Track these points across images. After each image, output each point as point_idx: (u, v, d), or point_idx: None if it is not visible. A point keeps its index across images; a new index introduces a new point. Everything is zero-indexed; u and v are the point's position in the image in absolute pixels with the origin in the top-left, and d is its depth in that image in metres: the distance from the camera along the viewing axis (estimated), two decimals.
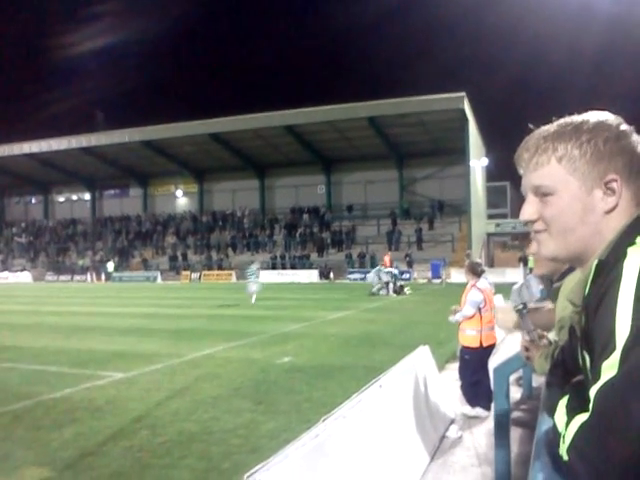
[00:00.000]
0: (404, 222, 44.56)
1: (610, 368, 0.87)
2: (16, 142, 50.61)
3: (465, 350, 6.24)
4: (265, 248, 46.36)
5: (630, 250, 0.95)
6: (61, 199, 60.77)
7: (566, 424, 0.97)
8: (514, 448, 4.72)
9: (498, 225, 46.74)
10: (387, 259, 27.87)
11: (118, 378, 7.86)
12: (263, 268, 42.04)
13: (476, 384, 6.08)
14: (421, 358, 5.62)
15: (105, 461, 4.65)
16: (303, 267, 41.69)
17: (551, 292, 3.20)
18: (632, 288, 0.89)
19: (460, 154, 39.69)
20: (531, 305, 2.55)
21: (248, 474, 2.40)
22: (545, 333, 2.22)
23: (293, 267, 42.02)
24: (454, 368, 7.11)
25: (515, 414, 5.97)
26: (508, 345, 9.02)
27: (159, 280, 43.20)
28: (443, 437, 5.31)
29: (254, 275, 21.22)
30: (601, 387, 0.87)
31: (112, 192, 58.45)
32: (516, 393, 6.74)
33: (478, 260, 7.14)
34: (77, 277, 47.17)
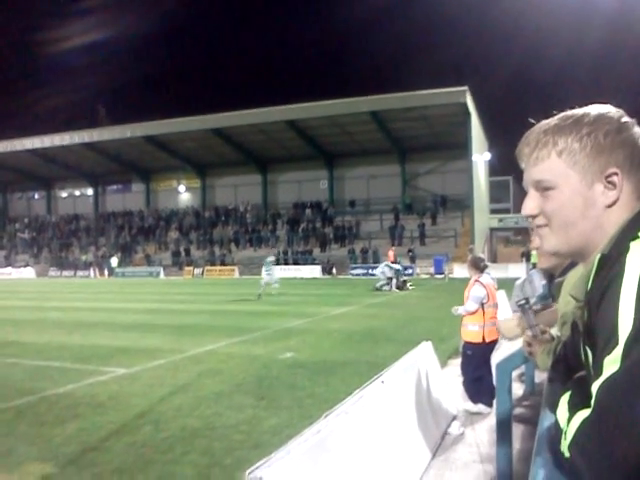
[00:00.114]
0: (407, 217, 44.54)
1: (612, 363, 0.86)
2: (18, 138, 50.67)
3: (467, 346, 6.23)
4: (268, 243, 46.39)
5: (633, 244, 0.94)
6: (64, 194, 60.90)
7: (568, 420, 0.96)
8: (516, 444, 4.72)
9: (501, 220, 46.66)
10: (391, 254, 27.87)
11: (121, 374, 7.87)
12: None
13: (478, 380, 6.07)
14: (423, 354, 5.61)
15: (108, 457, 4.66)
16: (306, 262, 41.72)
17: (554, 287, 3.18)
18: (635, 282, 0.88)
19: (462, 148, 39.59)
20: (537, 306, 2.54)
21: (250, 470, 2.40)
22: (547, 328, 2.21)
23: (296, 262, 42.04)
24: (456, 364, 7.11)
25: (517, 410, 5.97)
26: (511, 341, 9.00)
27: (162, 275, 43.30)
28: (445, 433, 5.31)
29: (271, 269, 21.72)
30: (603, 383, 0.86)
31: (115, 187, 58.53)
32: (518, 389, 6.74)
33: (481, 255, 7.12)
34: (80, 273, 47.29)
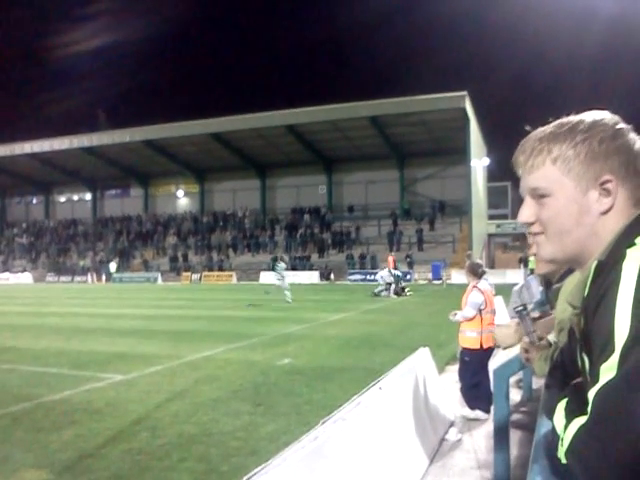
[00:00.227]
0: (405, 222, 44.59)
1: (609, 370, 0.86)
2: (17, 142, 50.69)
3: (465, 352, 6.22)
4: (266, 249, 46.37)
5: (629, 251, 0.94)
6: (62, 199, 60.87)
7: (565, 426, 0.96)
8: (514, 451, 4.71)
9: (499, 226, 46.76)
10: (391, 260, 27.90)
11: (118, 380, 7.85)
12: (263, 269, 42.18)
13: (476, 386, 6.07)
14: (421, 360, 5.60)
15: (104, 463, 4.64)
16: (304, 268, 41.69)
17: (551, 293, 3.18)
18: (631, 289, 0.88)
19: (461, 154, 39.69)
20: (535, 313, 2.53)
21: (247, 477, 2.39)
22: (545, 335, 2.21)
23: (294, 268, 41.99)
24: (454, 370, 7.10)
25: (515, 416, 5.96)
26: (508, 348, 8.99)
27: (159, 281, 43.23)
28: (443, 439, 5.29)
29: (282, 274, 21.86)
30: (600, 389, 0.86)
31: (113, 192, 58.55)
32: (516, 395, 6.72)
33: (479, 261, 7.12)
34: (78, 278, 47.21)
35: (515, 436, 5.12)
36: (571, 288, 1.13)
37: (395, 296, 23.80)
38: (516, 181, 1.15)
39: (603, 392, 0.86)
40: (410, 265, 37.24)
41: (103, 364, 9.02)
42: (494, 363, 5.58)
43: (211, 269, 44.84)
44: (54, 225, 58.39)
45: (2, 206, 62.45)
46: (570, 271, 2.44)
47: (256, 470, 2.46)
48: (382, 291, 24.38)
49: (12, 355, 9.96)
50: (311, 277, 39.30)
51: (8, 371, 8.56)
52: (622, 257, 0.94)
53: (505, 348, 3.13)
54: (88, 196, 59.09)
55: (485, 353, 6.17)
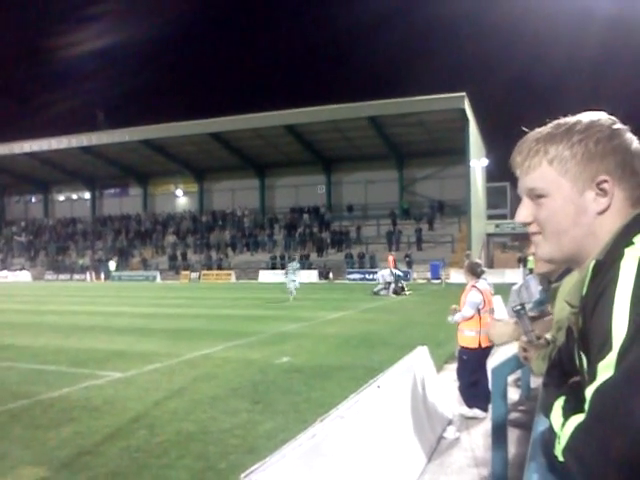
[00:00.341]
0: (404, 222, 44.58)
1: (606, 369, 0.86)
2: (16, 141, 50.63)
3: (463, 351, 6.24)
4: (265, 248, 46.37)
5: (627, 250, 0.95)
6: (61, 198, 60.82)
7: (562, 425, 0.97)
8: (511, 449, 4.72)
9: (498, 226, 46.75)
10: (391, 259, 27.93)
11: (116, 378, 7.85)
12: (262, 268, 42.19)
13: (474, 385, 6.08)
14: (419, 359, 5.61)
15: (102, 461, 4.64)
16: (302, 267, 41.65)
17: (549, 293, 3.18)
18: (629, 289, 0.89)
19: (460, 154, 39.70)
20: (534, 312, 2.54)
21: (245, 474, 2.40)
22: (543, 334, 2.21)
23: None
24: (452, 369, 7.11)
25: (513, 415, 5.97)
26: (506, 346, 9.01)
27: (158, 280, 43.22)
28: (441, 438, 5.30)
29: (295, 274, 22.28)
30: (597, 388, 0.87)
31: (112, 191, 58.51)
32: (514, 394, 6.73)
33: (478, 261, 7.13)
34: (76, 276, 47.22)
35: (513, 434, 5.12)
36: (569, 287, 1.14)
37: (394, 295, 23.84)
38: (515, 181, 1.16)
39: (601, 390, 0.86)
40: (409, 265, 37.24)
41: (102, 362, 9.02)
42: (492, 362, 5.59)
43: (210, 268, 44.82)
44: (53, 224, 58.35)
45: (1, 205, 62.41)
46: (568, 270, 2.44)
47: (254, 467, 2.47)
48: (381, 290, 24.42)
49: (11, 353, 9.97)
50: (310, 276, 39.27)
51: (7, 368, 8.56)
52: (620, 256, 0.94)
53: (499, 344, 3.14)
54: (87, 195, 59.06)
55: (483, 352, 6.18)
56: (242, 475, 2.39)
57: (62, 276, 48.03)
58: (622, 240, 0.98)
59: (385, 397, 4.28)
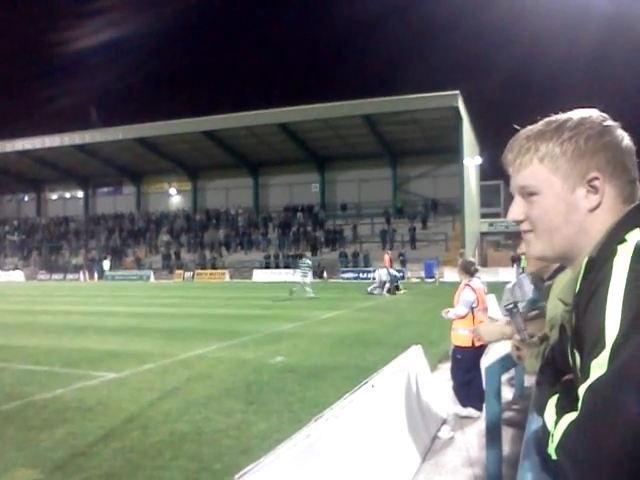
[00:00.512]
0: (398, 221, 44.66)
1: (599, 366, 0.86)
2: (8, 139, 50.36)
3: (457, 350, 6.24)
4: (259, 247, 46.34)
5: (620, 248, 0.95)
6: (54, 197, 60.60)
7: (555, 423, 0.97)
8: (506, 448, 4.73)
9: (491, 224, 46.94)
10: (387, 258, 27.96)
11: (110, 378, 7.82)
12: (256, 267, 42.15)
13: (468, 384, 6.09)
14: (413, 358, 5.62)
15: (96, 462, 4.62)
16: (297, 266, 41.63)
17: (542, 291, 3.19)
18: (622, 286, 0.89)
19: (454, 152, 39.79)
20: (533, 312, 2.54)
21: (239, 475, 2.39)
22: (536, 332, 2.21)
23: (287, 266, 42.01)
24: (446, 368, 7.12)
25: (507, 414, 5.98)
26: (500, 345, 9.04)
27: (152, 279, 43.13)
28: (435, 437, 5.31)
29: (307, 270, 22.74)
30: (590, 385, 0.87)
31: (105, 190, 58.33)
32: (508, 393, 6.75)
33: (471, 259, 7.14)
34: (70, 276, 47.05)
35: (507, 433, 5.13)
36: (562, 285, 1.14)
37: (387, 294, 23.88)
38: (508, 180, 1.16)
39: (594, 388, 0.86)
40: (403, 263, 37.30)
41: (95, 362, 8.99)
42: (486, 361, 5.60)
43: (204, 267, 44.77)
44: (46, 223, 58.11)
45: None
46: (562, 268, 2.45)
47: (248, 468, 2.46)
48: (375, 289, 24.47)
49: (3, 353, 9.91)
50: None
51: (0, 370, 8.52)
52: (613, 254, 0.94)
53: (488, 342, 3.15)
54: (80, 194, 58.85)
55: (477, 351, 6.19)
56: (236, 476, 2.38)
57: (55, 275, 47.86)
58: (614, 237, 0.98)
59: (379, 397, 4.28)
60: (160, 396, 6.73)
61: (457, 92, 37.77)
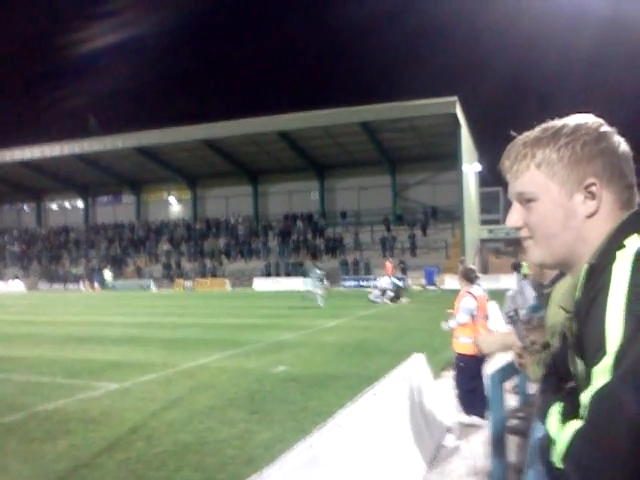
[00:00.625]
0: (397, 228, 44.59)
1: (602, 374, 0.86)
2: (8, 149, 50.38)
3: (460, 358, 6.24)
4: (259, 255, 46.29)
5: (619, 254, 0.95)
6: (54, 206, 60.52)
7: (559, 430, 0.97)
8: (510, 456, 4.72)
9: (491, 231, 46.87)
10: (389, 266, 27.91)
11: (113, 388, 7.81)
12: (256, 275, 42.10)
13: (472, 392, 6.07)
14: (416, 366, 5.61)
15: (100, 473, 4.61)
16: (297, 274, 41.61)
17: (542, 298, 3.20)
18: (622, 292, 0.88)
19: (452, 159, 39.80)
20: (537, 320, 2.55)
21: None
22: (537, 340, 2.22)
23: (287, 274, 41.96)
24: (450, 376, 7.11)
25: (511, 422, 5.97)
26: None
27: (153, 288, 43.03)
28: (440, 446, 5.30)
29: (320, 280, 22.72)
30: (595, 394, 0.87)
31: (105, 199, 58.27)
32: (512, 401, 6.74)
33: (472, 266, 7.15)
34: (70, 285, 46.94)
35: (512, 442, 5.12)
36: (562, 292, 1.15)
37: (388, 302, 23.82)
38: (507, 186, 1.17)
39: (598, 396, 0.86)
40: (404, 271, 37.20)
41: (97, 373, 8.98)
42: (489, 368, 5.60)
43: (204, 276, 44.68)
44: (46, 232, 58.05)
45: None
46: (562, 275, 2.47)
47: (252, 478, 2.47)
48: (377, 297, 24.41)
49: (5, 364, 9.90)
50: (305, 283, 39.17)
51: (1, 381, 8.51)
52: (612, 260, 0.94)
53: (487, 353, 3.16)
54: (80, 203, 58.79)
55: (480, 359, 6.18)
56: None
57: (56, 285, 47.76)
58: (614, 243, 0.98)
59: (383, 405, 4.28)
60: (163, 406, 6.73)
61: (455, 98, 37.79)
